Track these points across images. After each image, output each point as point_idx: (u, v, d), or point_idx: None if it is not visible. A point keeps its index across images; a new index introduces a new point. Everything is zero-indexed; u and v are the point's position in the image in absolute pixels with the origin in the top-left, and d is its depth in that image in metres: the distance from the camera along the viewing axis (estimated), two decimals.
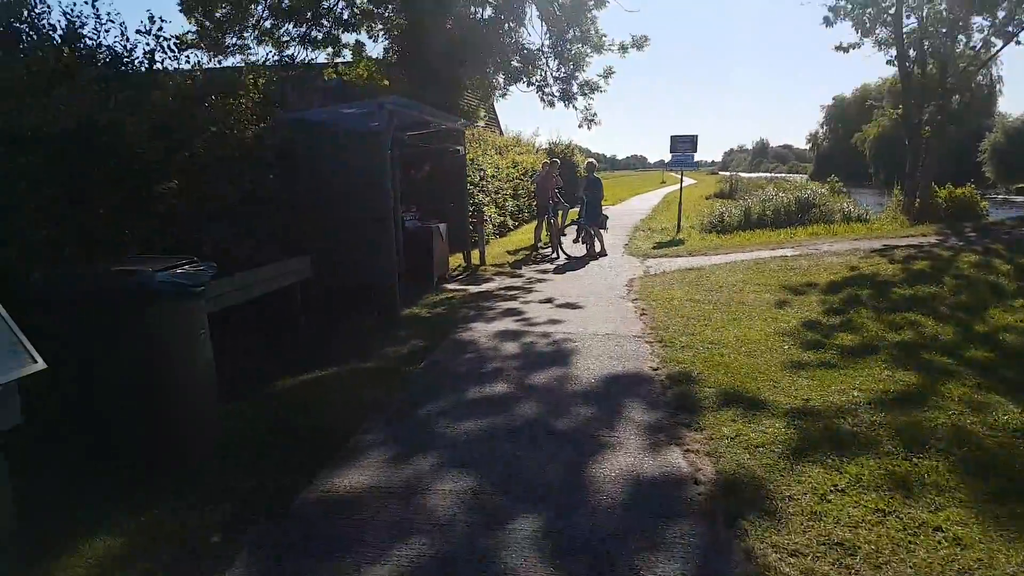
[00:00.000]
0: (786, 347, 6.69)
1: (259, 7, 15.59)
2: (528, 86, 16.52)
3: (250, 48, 16.06)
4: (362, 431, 4.90)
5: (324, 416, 5.16)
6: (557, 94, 16.32)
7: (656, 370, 6.14)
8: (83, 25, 5.79)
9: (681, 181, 20.85)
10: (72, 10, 5.75)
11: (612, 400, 5.40)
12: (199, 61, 9.38)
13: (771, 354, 6.47)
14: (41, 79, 4.91)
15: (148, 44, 6.55)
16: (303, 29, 16.00)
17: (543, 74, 16.29)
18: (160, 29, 6.57)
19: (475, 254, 13.33)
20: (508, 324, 8.11)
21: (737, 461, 4.31)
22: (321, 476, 4.20)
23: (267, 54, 15.96)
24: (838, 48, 20.83)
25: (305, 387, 5.92)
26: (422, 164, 12.56)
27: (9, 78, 4.48)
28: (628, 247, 15.68)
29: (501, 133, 27.40)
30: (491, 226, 16.68)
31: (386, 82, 16.43)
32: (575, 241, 14.82)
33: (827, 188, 24.37)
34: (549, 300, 9.58)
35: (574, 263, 13.38)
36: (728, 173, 59.07)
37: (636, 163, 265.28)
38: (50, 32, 5.49)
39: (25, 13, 5.22)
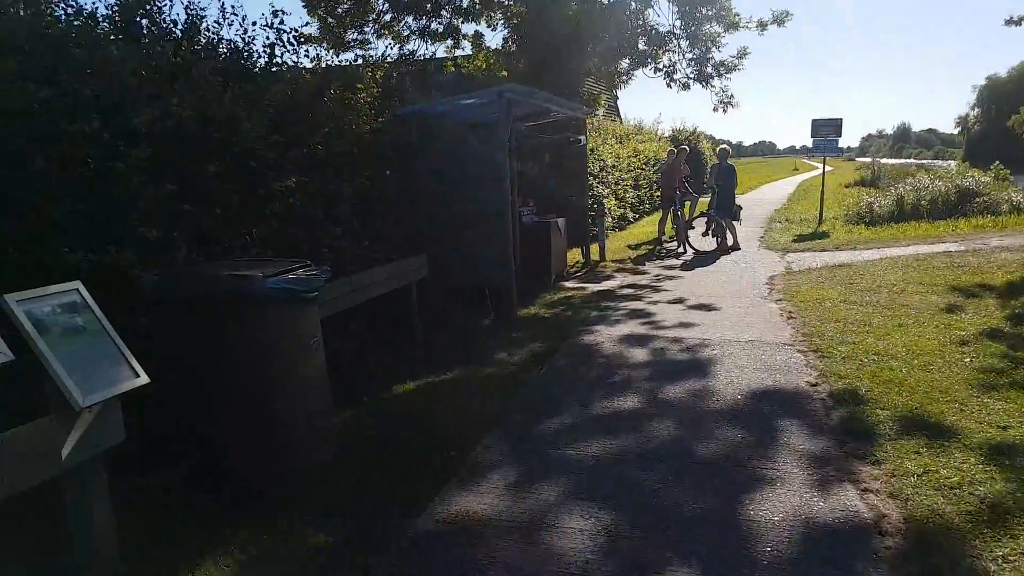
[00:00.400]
0: (967, 360, 5.70)
1: (380, 1, 15.62)
2: (655, 72, 15.68)
3: (370, 43, 16.15)
4: (479, 448, 4.47)
5: (439, 428, 4.78)
6: (692, 75, 15.37)
7: (814, 385, 5.35)
8: (203, 19, 5.68)
9: (824, 168, 19.27)
10: (194, 3, 5.65)
11: (764, 422, 4.69)
12: (318, 55, 9.32)
13: (950, 369, 5.51)
14: (159, 74, 4.79)
15: (268, 38, 6.42)
16: (423, 21, 15.90)
17: (671, 58, 15.40)
18: (281, 23, 6.43)
19: (594, 249, 12.72)
20: (634, 327, 7.49)
21: (930, 506, 3.54)
22: (438, 501, 3.79)
23: (386, 47, 15.98)
24: (1008, 22, 18.59)
25: (419, 395, 5.58)
26: (540, 155, 12.09)
27: (126, 72, 4.36)
28: (764, 240, 14.55)
29: (621, 121, 26.56)
30: (610, 219, 16.00)
31: (504, 72, 16.12)
32: (704, 234, 13.91)
33: (989, 175, 21.89)
34: (680, 300, 8.84)
35: (704, 259, 12.49)
36: (868, 159, 55.10)
37: (764, 150, 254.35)
38: (171, 27, 5.40)
39: (146, 7, 5.13)
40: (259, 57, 6.33)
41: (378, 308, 6.73)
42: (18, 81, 3.63)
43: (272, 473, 3.80)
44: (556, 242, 10.51)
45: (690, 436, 4.50)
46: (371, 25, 15.82)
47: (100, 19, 5.10)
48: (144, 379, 3.02)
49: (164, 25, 5.29)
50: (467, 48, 17.07)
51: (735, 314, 7.88)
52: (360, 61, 11.76)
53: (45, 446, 2.64)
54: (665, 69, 15.64)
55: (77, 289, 2.96)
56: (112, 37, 4.82)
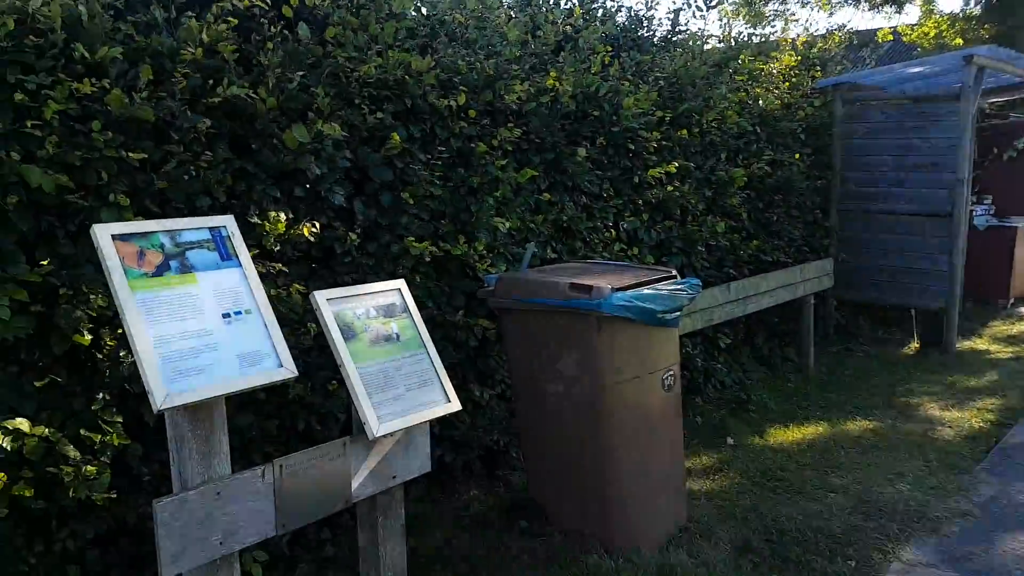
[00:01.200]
0: None
1: None
2: None
3: (792, 13, 14.43)
4: (895, 563, 3.10)
5: (829, 511, 3.53)
6: None
7: None
8: None
9: None
10: None
11: None
12: (728, 22, 8.25)
13: None
14: (545, 44, 4.33)
15: (675, 1, 5.64)
16: None
17: None
18: None
19: None
20: None
21: None
22: None
23: (809, 17, 14.12)
24: None
25: (805, 448, 4.32)
26: (1010, 139, 9.26)
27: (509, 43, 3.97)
28: None
29: None
30: None
31: (958, 41, 13.13)
32: None
33: None
34: None
35: None
36: None
37: None
38: None
39: None
40: (659, 25, 5.61)
41: (753, 318, 5.58)
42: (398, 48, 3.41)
43: (595, 533, 3.05)
44: (1021, 254, 7.92)
45: None
46: None
47: None
48: (455, 405, 2.49)
49: None
50: (912, 16, 14.32)
51: None
52: (778, 32, 10.38)
53: (334, 474, 2.25)
54: None
55: (399, 289, 2.53)
56: (500, 4, 4.49)
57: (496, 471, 3.81)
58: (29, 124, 2.16)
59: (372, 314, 2.42)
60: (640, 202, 4.57)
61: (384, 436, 2.27)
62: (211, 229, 2.02)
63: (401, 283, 2.55)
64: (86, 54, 2.32)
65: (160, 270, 1.88)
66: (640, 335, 2.99)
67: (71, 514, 2.31)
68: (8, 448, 2.07)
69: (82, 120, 2.33)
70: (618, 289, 2.86)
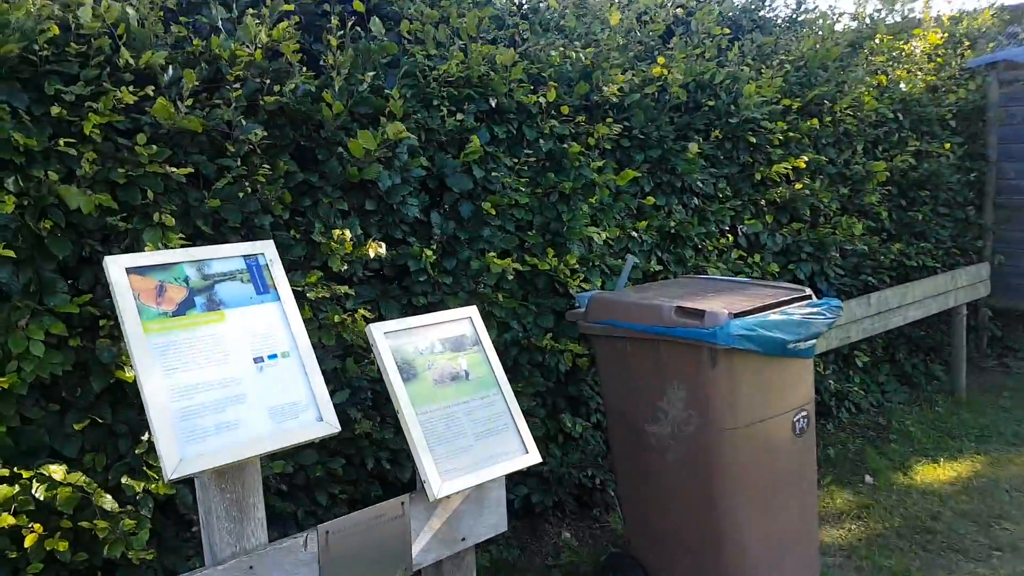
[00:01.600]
0: None
1: None
2: None
3: None
4: None
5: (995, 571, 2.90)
6: None
7: None
8: None
9: None
10: None
11: None
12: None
13: None
14: (652, 31, 3.87)
15: None
16: None
17: None
18: None
19: None
20: None
21: None
22: None
23: None
24: None
25: (958, 491, 3.64)
26: None
27: (607, 35, 3.54)
28: None
29: None
30: None
31: None
32: None
33: None
34: None
35: None
36: None
37: None
38: None
39: None
40: (783, 5, 4.98)
41: (894, 331, 4.88)
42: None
43: None
44: None
45: None
46: None
47: None
48: (534, 457, 2.11)
49: None
50: None
51: None
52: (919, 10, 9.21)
53: (391, 538, 1.93)
54: None
55: (470, 318, 2.18)
56: None
57: (591, 509, 3.41)
58: (62, 143, 1.96)
59: (437, 348, 2.08)
60: (762, 202, 4.02)
61: (448, 496, 1.93)
62: (247, 257, 1.74)
63: (472, 311, 2.20)
64: (131, 60, 2.11)
65: (183, 308, 1.61)
66: (765, 370, 2.50)
67: (117, 564, 2.12)
68: (41, 498, 1.88)
69: (126, 134, 2.13)
70: (738, 314, 2.38)
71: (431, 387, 2.01)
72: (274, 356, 1.69)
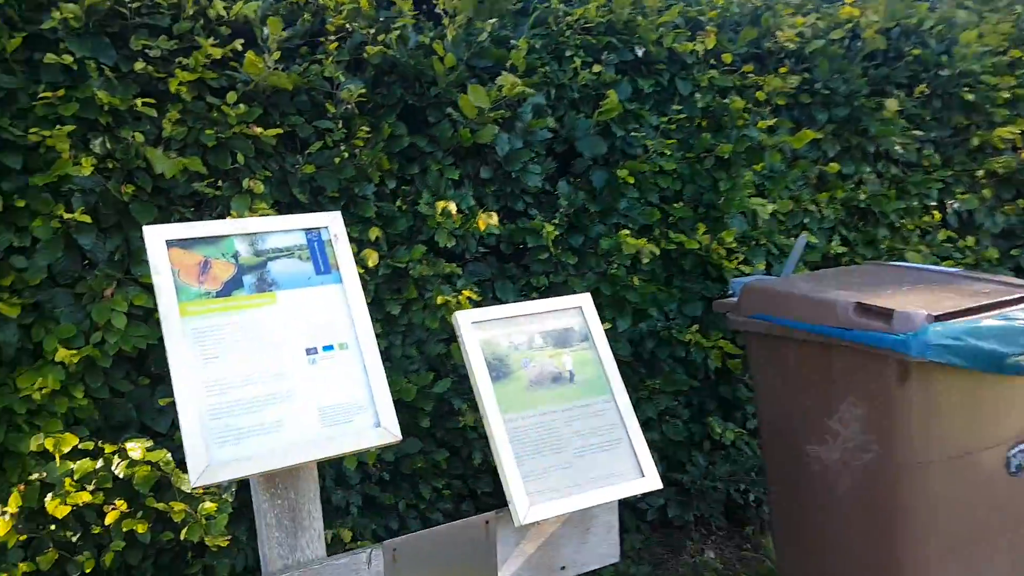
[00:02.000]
0: None
1: None
2: None
3: None
4: None
5: None
6: None
7: None
8: None
9: None
10: None
11: None
12: None
13: None
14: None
15: None
16: None
17: None
18: None
19: None
20: None
21: None
22: None
23: None
24: None
25: None
26: None
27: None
28: None
29: None
30: None
31: None
32: None
33: None
34: None
35: None
36: None
37: None
38: None
39: None
40: None
41: None
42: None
43: None
44: None
45: None
46: None
47: None
48: (653, 483, 1.72)
49: None
50: None
51: None
52: None
53: (471, 559, 1.64)
54: None
55: (580, 307, 1.82)
56: None
57: (743, 527, 2.94)
58: (139, 103, 1.83)
59: (537, 343, 1.74)
60: (980, 173, 3.23)
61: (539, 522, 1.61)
62: (308, 231, 1.50)
63: (584, 299, 1.83)
64: (223, 12, 1.94)
65: (228, 288, 1.41)
66: (974, 389, 1.90)
67: (207, 547, 2.02)
68: (120, 475, 1.80)
69: (219, 93, 1.98)
70: (940, 317, 1.81)
71: (524, 390, 1.68)
72: (330, 348, 1.44)
